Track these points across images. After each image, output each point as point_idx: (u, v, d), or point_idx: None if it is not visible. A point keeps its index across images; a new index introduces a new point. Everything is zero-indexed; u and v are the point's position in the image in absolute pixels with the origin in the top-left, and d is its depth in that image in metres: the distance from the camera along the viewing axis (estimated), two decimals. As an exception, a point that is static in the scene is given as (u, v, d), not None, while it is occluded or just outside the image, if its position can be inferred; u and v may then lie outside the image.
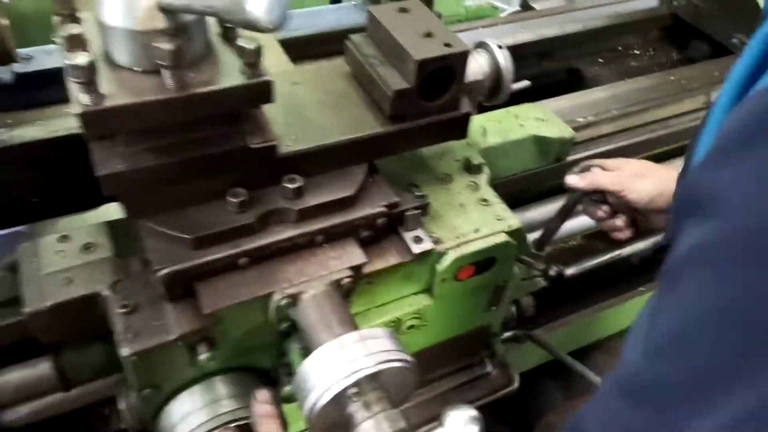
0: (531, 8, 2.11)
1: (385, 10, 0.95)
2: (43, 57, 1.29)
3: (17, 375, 0.95)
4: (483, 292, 1.08)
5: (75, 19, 0.76)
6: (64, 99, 1.19)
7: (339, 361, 0.73)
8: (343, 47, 1.00)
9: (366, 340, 0.76)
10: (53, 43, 1.22)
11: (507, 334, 1.31)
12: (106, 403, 1.21)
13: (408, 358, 0.76)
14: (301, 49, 1.42)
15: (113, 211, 1.00)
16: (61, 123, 1.13)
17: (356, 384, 0.71)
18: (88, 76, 0.65)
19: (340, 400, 0.71)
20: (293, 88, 0.96)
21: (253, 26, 0.56)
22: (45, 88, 1.18)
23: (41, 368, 0.96)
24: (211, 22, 0.79)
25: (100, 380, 1.02)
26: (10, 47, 0.80)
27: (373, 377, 0.73)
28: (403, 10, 0.96)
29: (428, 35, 0.91)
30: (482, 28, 1.73)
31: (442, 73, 0.90)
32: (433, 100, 0.93)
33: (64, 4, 0.75)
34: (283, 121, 0.87)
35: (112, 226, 0.92)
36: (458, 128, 1.00)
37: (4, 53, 0.79)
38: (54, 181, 1.13)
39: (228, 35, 0.79)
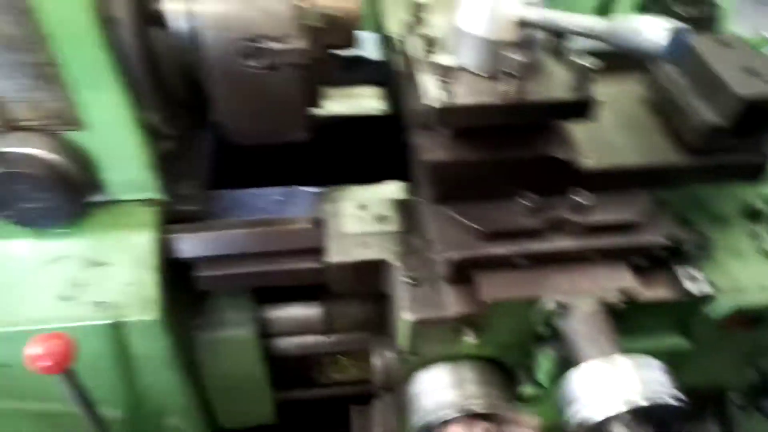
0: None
1: (703, 42, 0.93)
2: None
3: (297, 311, 1.12)
4: (743, 349, 1.01)
5: (424, 22, 0.87)
6: (358, 82, 1.35)
7: (612, 382, 0.74)
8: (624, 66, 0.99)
9: (640, 369, 0.76)
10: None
11: (742, 400, 1.21)
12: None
13: (681, 396, 0.75)
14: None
15: (394, 189, 1.13)
16: (355, 103, 1.28)
17: (628, 411, 0.72)
18: (448, 76, 0.73)
19: (607, 420, 0.73)
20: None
21: (649, 55, 0.59)
22: (349, 71, 1.32)
23: (314, 311, 1.12)
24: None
25: (354, 333, 1.16)
26: (355, 34, 0.93)
27: (644, 407, 0.73)
28: (724, 43, 0.93)
29: (752, 72, 0.87)
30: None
31: (757, 112, 0.86)
32: (740, 138, 0.89)
33: (419, 8, 0.86)
34: (581, 137, 0.90)
35: (399, 203, 1.02)
36: (755, 171, 0.94)
37: (353, 38, 0.92)
38: (344, 151, 1.28)
39: (557, 49, 0.83)
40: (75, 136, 0.87)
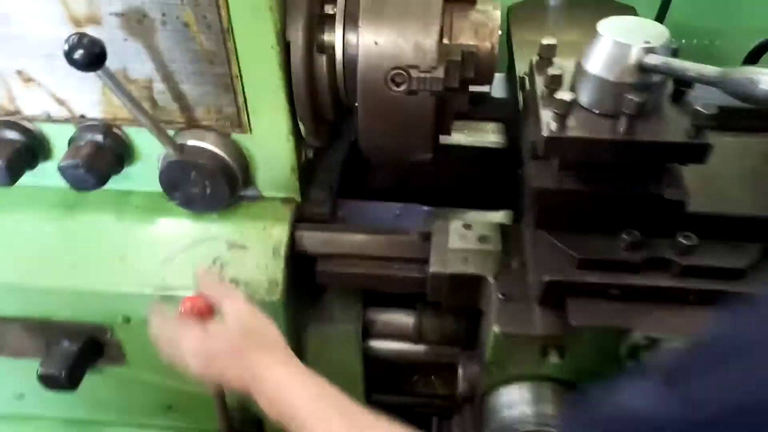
0: None
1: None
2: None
3: (395, 317, 1.22)
4: None
5: (551, 63, 0.96)
6: (481, 117, 1.44)
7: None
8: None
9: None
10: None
11: None
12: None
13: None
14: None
15: (500, 215, 1.21)
16: (476, 135, 1.39)
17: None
18: (565, 110, 0.82)
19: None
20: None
21: (761, 103, 0.64)
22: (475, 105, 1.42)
23: (410, 319, 1.22)
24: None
25: (442, 346, 1.23)
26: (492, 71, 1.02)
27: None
28: None
29: None
30: None
31: None
32: None
33: (550, 51, 0.96)
34: (692, 181, 0.93)
35: (502, 227, 1.10)
36: None
37: (490, 75, 1.01)
38: (460, 178, 1.38)
39: (676, 95, 0.89)
40: (240, 138, 1.06)
